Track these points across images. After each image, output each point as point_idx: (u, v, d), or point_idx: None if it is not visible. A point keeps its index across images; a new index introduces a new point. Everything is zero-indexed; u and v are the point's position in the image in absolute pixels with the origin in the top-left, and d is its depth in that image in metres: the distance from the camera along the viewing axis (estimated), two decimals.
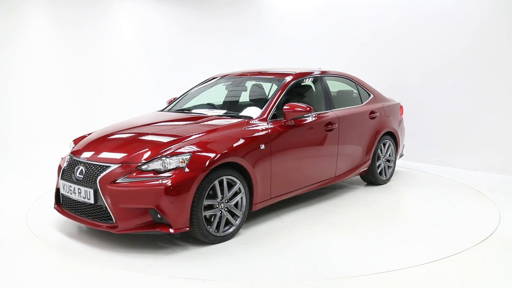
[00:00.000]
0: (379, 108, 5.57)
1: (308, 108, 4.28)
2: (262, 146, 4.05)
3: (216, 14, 10.02)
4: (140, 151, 3.64)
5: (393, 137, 5.78)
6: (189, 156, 3.57)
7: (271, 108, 4.36)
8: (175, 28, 10.05)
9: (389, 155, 5.75)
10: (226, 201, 3.79)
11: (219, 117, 4.45)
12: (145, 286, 3.07)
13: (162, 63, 10.06)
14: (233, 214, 3.89)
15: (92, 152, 3.86)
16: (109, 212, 3.55)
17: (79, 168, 3.79)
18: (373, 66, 7.58)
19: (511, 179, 6.03)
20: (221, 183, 3.72)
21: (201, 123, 4.25)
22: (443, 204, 4.95)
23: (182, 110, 4.93)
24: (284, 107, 4.30)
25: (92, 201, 3.62)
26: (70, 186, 3.81)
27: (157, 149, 3.63)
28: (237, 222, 3.91)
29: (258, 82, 5.06)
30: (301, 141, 4.49)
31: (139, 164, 3.56)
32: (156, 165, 3.53)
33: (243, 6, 9.78)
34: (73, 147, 4.23)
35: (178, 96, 5.41)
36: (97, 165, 3.69)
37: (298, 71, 4.95)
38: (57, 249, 3.72)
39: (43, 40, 9.20)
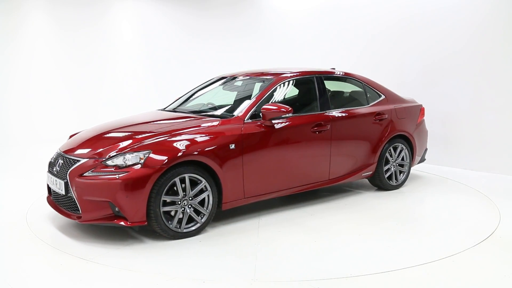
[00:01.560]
0: (389, 110, 5.33)
1: (286, 109, 4.27)
2: (232, 146, 4.07)
3: (216, 14, 10.03)
4: (108, 147, 3.87)
5: (408, 140, 5.49)
6: (147, 153, 3.72)
7: (249, 108, 4.36)
8: (175, 28, 10.05)
9: (402, 160, 5.47)
10: (190, 198, 3.89)
11: (199, 116, 4.46)
12: (145, 286, 3.07)
13: (162, 63, 10.06)
14: (199, 212, 3.97)
15: (72, 147, 4.15)
16: (76, 203, 3.79)
17: (58, 161, 4.10)
18: (373, 65, 7.58)
19: (511, 179, 6.03)
20: (189, 180, 3.85)
21: (176, 122, 4.38)
22: (443, 204, 4.95)
23: (174, 109, 5.00)
24: (262, 107, 4.32)
25: (63, 192, 3.88)
26: (51, 178, 4.13)
27: (121, 146, 3.84)
28: (202, 219, 3.98)
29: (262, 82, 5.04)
30: (281, 142, 4.42)
31: (104, 159, 3.77)
32: (118, 160, 3.73)
33: (243, 6, 9.78)
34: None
35: (189, 94, 5.40)
36: (70, 159, 3.96)
37: (295, 71, 4.93)
38: (57, 249, 3.72)
39: (43, 40, 9.20)
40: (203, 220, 3.99)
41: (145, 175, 3.64)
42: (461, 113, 6.68)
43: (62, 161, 4.03)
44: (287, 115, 4.39)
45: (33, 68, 9.13)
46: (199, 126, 4.16)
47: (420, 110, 5.74)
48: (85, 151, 3.97)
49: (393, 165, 5.41)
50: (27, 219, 4.46)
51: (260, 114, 4.33)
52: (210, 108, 4.86)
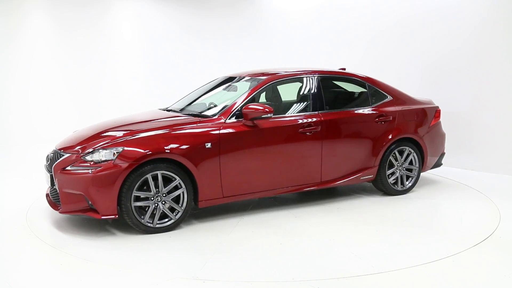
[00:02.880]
0: (394, 112, 5.11)
1: (268, 109, 4.27)
2: (208, 145, 4.12)
3: (216, 14, 10.03)
4: (89, 143, 4.06)
5: (417, 144, 5.25)
6: (120, 150, 3.88)
7: (230, 108, 4.38)
8: (175, 28, 10.05)
9: (410, 164, 5.24)
10: (164, 195, 4.00)
11: (184, 116, 4.52)
12: (145, 286, 3.08)
13: (162, 63, 10.06)
14: (174, 208, 4.09)
15: (63, 143, 4.38)
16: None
17: (50, 155, 4.35)
18: (373, 65, 7.58)
19: (511, 179, 6.03)
20: (161, 177, 3.97)
21: (159, 121, 4.44)
22: (443, 204, 4.95)
23: (179, 109, 4.99)
24: (244, 107, 4.33)
25: (49, 184, 4.20)
26: (45, 171, 4.36)
27: (99, 142, 4.02)
28: (176, 216, 4.07)
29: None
30: (264, 142, 4.40)
31: (83, 154, 3.96)
32: (95, 156, 3.91)
33: (243, 6, 9.78)
34: None
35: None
36: (58, 153, 4.20)
37: (289, 71, 4.90)
38: (57, 249, 3.72)
39: (43, 40, 9.19)
40: (177, 216, 4.08)
41: (116, 170, 3.81)
42: (461, 113, 6.68)
43: (52, 155, 4.28)
44: (268, 115, 4.33)
45: (33, 68, 9.13)
46: (177, 125, 4.23)
47: (435, 112, 5.48)
48: (69, 146, 4.19)
49: (399, 170, 5.18)
50: (27, 219, 4.46)
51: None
52: (208, 108, 4.84)
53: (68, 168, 3.94)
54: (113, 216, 3.88)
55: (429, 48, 6.93)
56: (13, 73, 8.99)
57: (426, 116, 5.37)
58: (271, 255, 3.59)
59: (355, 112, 4.98)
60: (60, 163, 4.03)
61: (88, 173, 3.83)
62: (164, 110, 5.07)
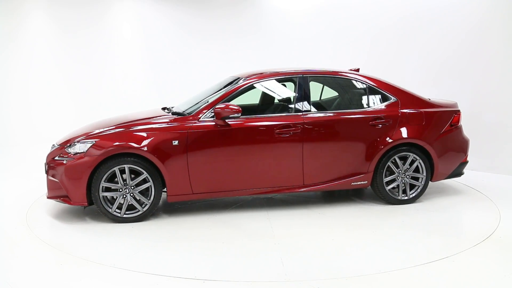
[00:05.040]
0: (396, 115, 4.75)
1: (234, 109, 4.30)
2: (175, 142, 4.28)
3: (217, 15, 10.01)
4: (73, 137, 4.42)
5: (424, 151, 4.81)
6: (91, 144, 4.21)
7: (204, 108, 4.46)
8: (175, 29, 10.04)
9: (416, 172, 4.84)
10: (132, 187, 4.25)
11: (163, 114, 4.69)
12: (145, 286, 3.08)
13: (162, 64, 10.04)
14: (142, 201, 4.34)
15: (62, 138, 4.66)
16: None
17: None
18: (373, 65, 7.57)
19: (511, 179, 6.03)
20: (129, 170, 4.25)
21: (138, 120, 4.57)
22: (443, 204, 4.95)
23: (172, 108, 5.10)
24: (215, 107, 4.37)
25: (45, 172, 4.46)
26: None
27: (80, 136, 4.36)
28: (144, 208, 4.31)
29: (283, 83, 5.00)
30: (236, 142, 4.41)
31: (66, 146, 4.35)
32: (74, 148, 4.28)
33: (243, 6, 9.77)
34: None
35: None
36: (53, 145, 4.56)
37: (275, 71, 4.84)
38: (57, 249, 3.72)
39: (43, 41, 9.19)
40: (145, 208, 4.31)
41: (85, 162, 4.18)
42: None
43: (51, 148, 4.62)
44: (235, 115, 4.33)
45: (33, 68, 9.13)
46: (150, 123, 4.43)
47: (452, 117, 4.98)
48: (62, 139, 4.57)
49: (401, 177, 4.82)
50: (27, 219, 4.46)
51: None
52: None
53: (56, 158, 4.34)
54: (83, 204, 4.22)
55: (429, 48, 6.93)
56: (13, 73, 8.99)
57: (438, 121, 4.89)
58: (271, 255, 3.59)
59: (345, 114, 4.70)
60: (50, 153, 4.44)
61: (63, 163, 4.23)
62: (163, 109, 5.08)
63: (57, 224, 4.32)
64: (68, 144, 4.33)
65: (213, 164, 4.38)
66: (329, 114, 4.70)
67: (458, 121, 5.04)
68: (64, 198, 4.30)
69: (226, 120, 4.38)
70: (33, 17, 9.07)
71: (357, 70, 5.38)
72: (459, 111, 5.08)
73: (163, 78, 10.01)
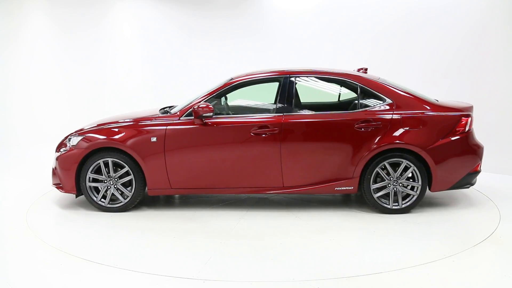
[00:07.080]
0: (387, 118, 4.45)
1: (206, 108, 4.39)
2: (154, 139, 4.51)
3: (217, 15, 10.01)
4: (74, 131, 4.79)
5: (419, 157, 4.44)
6: (80, 138, 4.59)
7: (187, 107, 4.61)
8: (176, 30, 10.04)
9: (413, 180, 4.51)
10: (116, 179, 4.57)
11: (155, 114, 4.86)
12: (145, 286, 3.08)
13: (163, 64, 10.04)
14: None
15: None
16: None
17: None
18: (373, 65, 7.56)
19: (511, 179, 6.03)
20: (112, 164, 4.56)
21: (132, 118, 4.79)
22: (443, 204, 4.95)
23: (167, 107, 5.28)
24: (194, 106, 4.48)
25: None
26: None
27: (75, 131, 4.76)
28: (126, 200, 4.60)
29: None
30: (212, 141, 4.50)
31: (66, 140, 4.74)
32: (71, 142, 4.66)
33: (244, 6, 9.77)
34: None
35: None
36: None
37: (261, 72, 4.83)
38: (57, 249, 3.72)
39: (43, 41, 9.19)
40: (126, 200, 4.60)
41: (73, 154, 4.57)
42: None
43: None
44: (208, 114, 4.41)
45: (34, 69, 9.13)
46: (137, 120, 4.67)
47: (457, 122, 4.53)
48: (67, 133, 4.90)
49: (392, 185, 4.51)
50: (27, 219, 4.46)
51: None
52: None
53: (61, 149, 4.73)
54: (73, 192, 4.60)
55: (429, 48, 6.92)
56: (13, 73, 9.00)
57: (438, 125, 4.49)
58: (272, 255, 3.59)
59: (327, 116, 4.50)
60: (58, 145, 4.82)
61: (59, 154, 4.67)
62: (163, 108, 5.18)
63: (57, 223, 4.32)
64: (68, 138, 4.73)
65: (190, 161, 4.52)
66: (310, 115, 4.56)
67: (465, 126, 4.56)
68: (59, 185, 4.72)
69: (204, 119, 4.48)
70: (33, 17, 9.07)
71: (366, 70, 5.37)
72: (468, 115, 4.62)
73: (164, 78, 10.02)
